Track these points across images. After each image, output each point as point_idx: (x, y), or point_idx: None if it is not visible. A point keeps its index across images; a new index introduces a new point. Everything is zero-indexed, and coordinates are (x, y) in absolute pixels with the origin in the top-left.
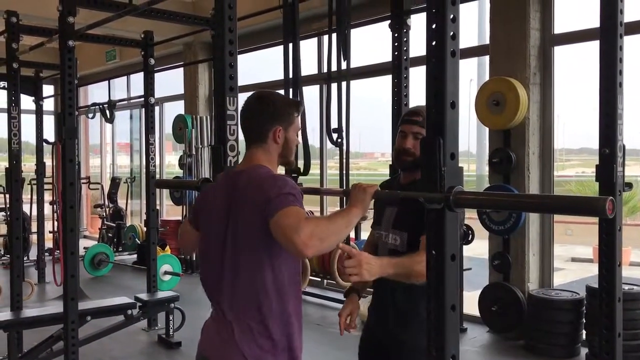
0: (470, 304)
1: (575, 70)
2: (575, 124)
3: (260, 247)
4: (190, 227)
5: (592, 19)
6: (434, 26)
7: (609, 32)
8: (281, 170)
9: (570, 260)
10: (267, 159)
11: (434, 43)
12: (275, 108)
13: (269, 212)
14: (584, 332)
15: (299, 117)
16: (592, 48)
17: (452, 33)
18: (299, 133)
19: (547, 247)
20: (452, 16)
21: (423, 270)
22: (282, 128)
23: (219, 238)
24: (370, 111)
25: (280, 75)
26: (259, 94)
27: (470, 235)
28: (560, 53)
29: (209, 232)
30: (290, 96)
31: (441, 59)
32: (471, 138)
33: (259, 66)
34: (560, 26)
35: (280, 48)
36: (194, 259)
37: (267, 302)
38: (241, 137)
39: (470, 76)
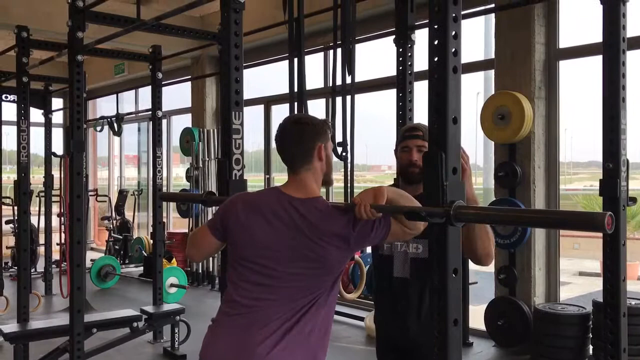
0: (476, 318)
1: (583, 84)
2: (583, 137)
3: (325, 280)
4: (211, 238)
5: (597, 33)
6: (436, 42)
7: (611, 48)
8: None
9: (577, 274)
10: (316, 181)
11: (436, 59)
12: (314, 126)
13: (383, 234)
14: (590, 347)
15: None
16: (599, 62)
17: (454, 49)
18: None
19: (554, 261)
20: (454, 33)
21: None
22: (323, 145)
23: (267, 259)
24: (376, 124)
25: (285, 89)
26: (294, 118)
27: None
28: (568, 67)
29: (257, 252)
30: (295, 110)
31: (443, 75)
32: (478, 151)
33: (265, 80)
34: (565, 40)
35: (286, 62)
36: (201, 271)
37: (314, 335)
38: (247, 150)
39: (477, 90)
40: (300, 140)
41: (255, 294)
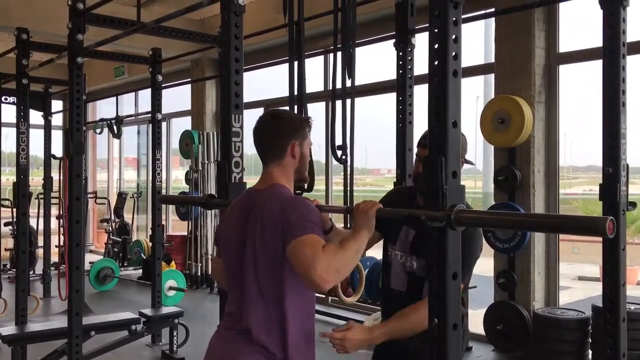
0: (476, 323)
1: (583, 88)
2: (582, 142)
3: (282, 269)
4: (219, 260)
5: (598, 38)
6: (436, 46)
7: (611, 53)
8: None
9: (577, 279)
10: (285, 176)
11: (436, 63)
12: (292, 123)
13: (287, 237)
14: (590, 352)
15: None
16: (599, 66)
17: (454, 53)
18: (311, 149)
19: (553, 265)
20: (454, 36)
21: (425, 321)
22: (298, 143)
23: (239, 257)
24: (376, 128)
25: (285, 92)
26: (272, 112)
27: None
28: (568, 71)
29: (229, 251)
30: (296, 113)
31: (443, 79)
32: (478, 155)
33: (265, 83)
34: (565, 45)
35: (286, 65)
36: (199, 274)
37: (289, 327)
38: (247, 153)
39: (477, 93)
40: (274, 135)
41: (235, 299)
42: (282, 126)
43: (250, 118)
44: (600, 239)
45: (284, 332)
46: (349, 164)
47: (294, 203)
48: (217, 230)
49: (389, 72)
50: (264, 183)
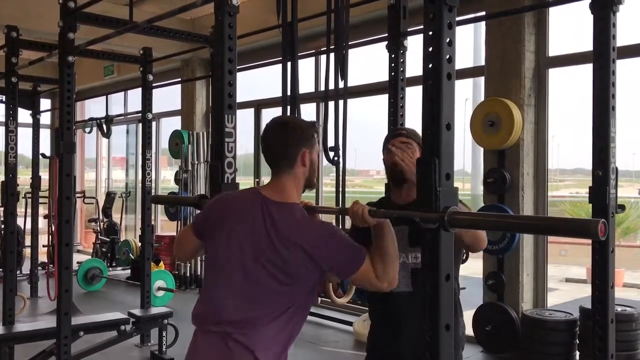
0: (465, 324)
1: (570, 92)
2: (570, 145)
3: (291, 291)
4: (192, 236)
5: (587, 42)
6: (430, 49)
7: (601, 57)
8: None
9: (564, 281)
10: (296, 188)
11: (430, 66)
12: (301, 131)
13: (348, 269)
14: (577, 353)
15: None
16: (587, 70)
17: (448, 56)
18: (319, 154)
19: (541, 267)
20: (448, 40)
21: None
22: (308, 151)
23: (241, 262)
24: (365, 129)
25: (275, 93)
26: (281, 119)
27: (465, 255)
28: (556, 75)
29: (229, 252)
30: (288, 114)
31: (437, 82)
32: (466, 157)
33: (255, 83)
34: (555, 49)
35: (276, 65)
36: (188, 275)
37: (275, 339)
38: (239, 153)
39: (466, 96)
40: (285, 143)
41: (224, 297)
42: (293, 135)
43: (240, 118)
44: (588, 241)
45: (278, 343)
46: (341, 165)
47: (334, 232)
48: (205, 221)
49: (381, 74)
50: (277, 194)
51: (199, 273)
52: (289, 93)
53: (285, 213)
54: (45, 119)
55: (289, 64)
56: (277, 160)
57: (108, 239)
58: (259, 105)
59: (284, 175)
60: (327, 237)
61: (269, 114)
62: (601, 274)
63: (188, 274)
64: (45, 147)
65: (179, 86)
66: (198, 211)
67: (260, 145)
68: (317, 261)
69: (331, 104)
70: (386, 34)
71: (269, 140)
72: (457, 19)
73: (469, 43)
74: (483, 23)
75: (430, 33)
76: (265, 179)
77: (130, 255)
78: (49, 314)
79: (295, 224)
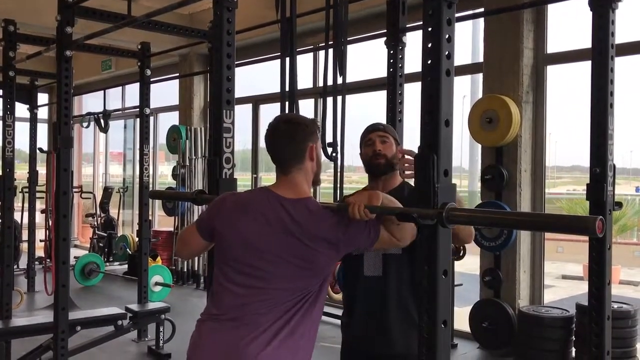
0: (461, 320)
1: (568, 89)
2: (567, 142)
3: (314, 282)
4: (198, 237)
5: (585, 39)
6: (429, 45)
7: (600, 55)
8: None
9: (560, 278)
10: (307, 182)
11: (429, 62)
12: (307, 126)
13: (368, 244)
14: (573, 349)
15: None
16: (585, 67)
17: (447, 52)
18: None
19: (538, 264)
20: (447, 36)
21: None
22: (314, 145)
23: (259, 259)
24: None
25: (276, 89)
26: (285, 117)
27: (462, 251)
28: (553, 72)
29: (244, 251)
30: (287, 109)
31: (436, 78)
32: (464, 154)
33: (251, 79)
34: (553, 46)
35: (274, 61)
36: (185, 270)
37: (305, 336)
38: (237, 148)
39: (464, 93)
40: (293, 140)
41: (243, 296)
42: (299, 130)
43: (238, 114)
44: (585, 238)
45: (292, 329)
46: (339, 161)
47: (347, 219)
48: (213, 220)
49: (380, 70)
50: (290, 191)
51: (196, 269)
52: (287, 89)
53: (302, 209)
54: (42, 113)
55: (287, 59)
56: (287, 157)
57: (105, 234)
58: (257, 101)
59: (294, 171)
60: (344, 223)
61: (267, 110)
62: (598, 271)
63: (185, 269)
64: (42, 141)
65: (176, 81)
66: (195, 206)
67: (259, 142)
68: (341, 247)
69: (329, 99)
70: (385, 30)
71: (276, 138)
72: (456, 15)
73: (467, 39)
74: (481, 20)
75: (430, 29)
76: (263, 175)
77: (128, 250)
78: (46, 309)
79: (313, 218)
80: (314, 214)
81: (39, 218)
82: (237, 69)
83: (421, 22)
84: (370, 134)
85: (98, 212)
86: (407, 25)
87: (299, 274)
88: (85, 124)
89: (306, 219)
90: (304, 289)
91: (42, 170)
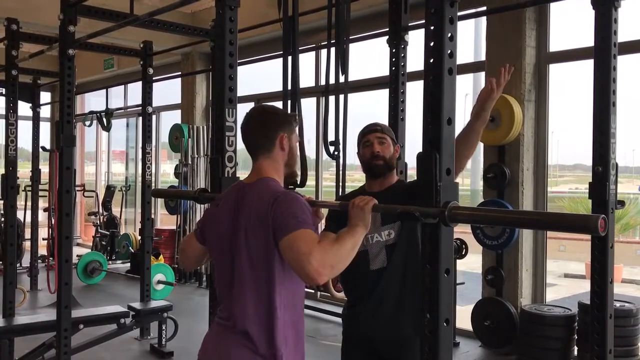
0: (463, 319)
1: (570, 87)
2: (569, 141)
3: (272, 263)
4: (195, 242)
5: (588, 37)
6: (432, 44)
7: (603, 53)
8: None
9: (563, 276)
10: (275, 169)
11: (431, 60)
12: (278, 116)
13: (280, 232)
14: (575, 348)
15: (297, 129)
16: (588, 66)
17: (449, 51)
18: (302, 144)
19: (540, 262)
20: (449, 35)
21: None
22: (286, 135)
23: (229, 251)
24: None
25: (278, 87)
26: (259, 107)
27: (464, 250)
28: (556, 70)
29: (219, 245)
30: (289, 108)
31: (438, 76)
32: None
33: (253, 77)
34: (555, 44)
35: (279, 59)
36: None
37: (275, 319)
38: (239, 147)
39: (466, 91)
40: (262, 128)
41: (226, 293)
42: (269, 119)
43: (241, 112)
44: (587, 237)
45: (272, 327)
46: (341, 159)
47: (285, 197)
48: (203, 223)
49: (382, 69)
50: (254, 176)
51: (198, 267)
52: (289, 87)
53: (255, 188)
54: (45, 112)
55: (289, 58)
56: (255, 144)
57: (108, 233)
58: (259, 100)
59: (261, 159)
60: (283, 198)
61: None
62: (600, 270)
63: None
64: (45, 140)
65: (179, 80)
66: (198, 205)
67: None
68: (268, 225)
69: (332, 98)
70: (387, 29)
71: (247, 125)
72: (458, 14)
73: (469, 38)
74: (484, 18)
75: (432, 28)
76: None
77: (130, 248)
78: (49, 307)
79: (256, 197)
80: (263, 191)
81: (42, 216)
82: (239, 68)
83: (423, 21)
84: (368, 135)
85: (101, 210)
86: (410, 24)
87: (263, 257)
88: (87, 123)
89: (254, 199)
90: (275, 274)
91: (44, 168)
